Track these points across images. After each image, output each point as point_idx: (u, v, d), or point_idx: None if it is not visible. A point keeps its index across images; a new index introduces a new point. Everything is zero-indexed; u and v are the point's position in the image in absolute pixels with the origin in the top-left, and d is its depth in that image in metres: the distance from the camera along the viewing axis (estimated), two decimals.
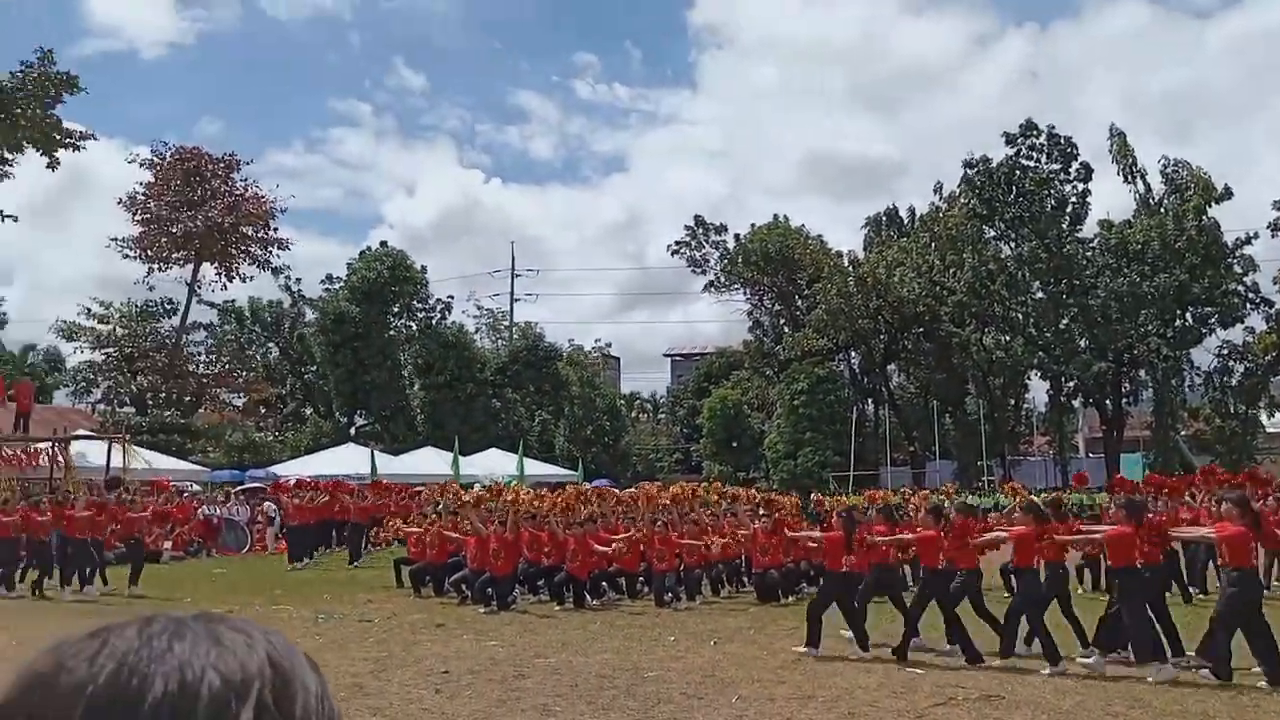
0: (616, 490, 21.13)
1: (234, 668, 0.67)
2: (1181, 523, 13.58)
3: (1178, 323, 38.15)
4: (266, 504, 26.51)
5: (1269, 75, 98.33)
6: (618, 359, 77.13)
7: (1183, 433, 39.98)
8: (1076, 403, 43.35)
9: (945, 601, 10.30)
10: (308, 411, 54.84)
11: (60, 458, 25.29)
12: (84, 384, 52.00)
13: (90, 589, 15.82)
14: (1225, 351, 38.39)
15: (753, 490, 24.48)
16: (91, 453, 27.25)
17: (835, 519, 11.64)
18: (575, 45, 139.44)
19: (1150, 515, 11.01)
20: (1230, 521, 9.43)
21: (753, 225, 49.40)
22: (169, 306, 48.28)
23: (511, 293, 58.57)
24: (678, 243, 50.65)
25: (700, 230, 50.39)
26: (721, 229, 50.30)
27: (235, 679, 0.67)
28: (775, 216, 49.44)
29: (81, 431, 31.49)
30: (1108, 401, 40.37)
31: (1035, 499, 13.14)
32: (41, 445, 26.25)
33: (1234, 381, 38.13)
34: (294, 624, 12.91)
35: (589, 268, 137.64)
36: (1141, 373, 39.04)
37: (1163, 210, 38.41)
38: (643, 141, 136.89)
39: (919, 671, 9.80)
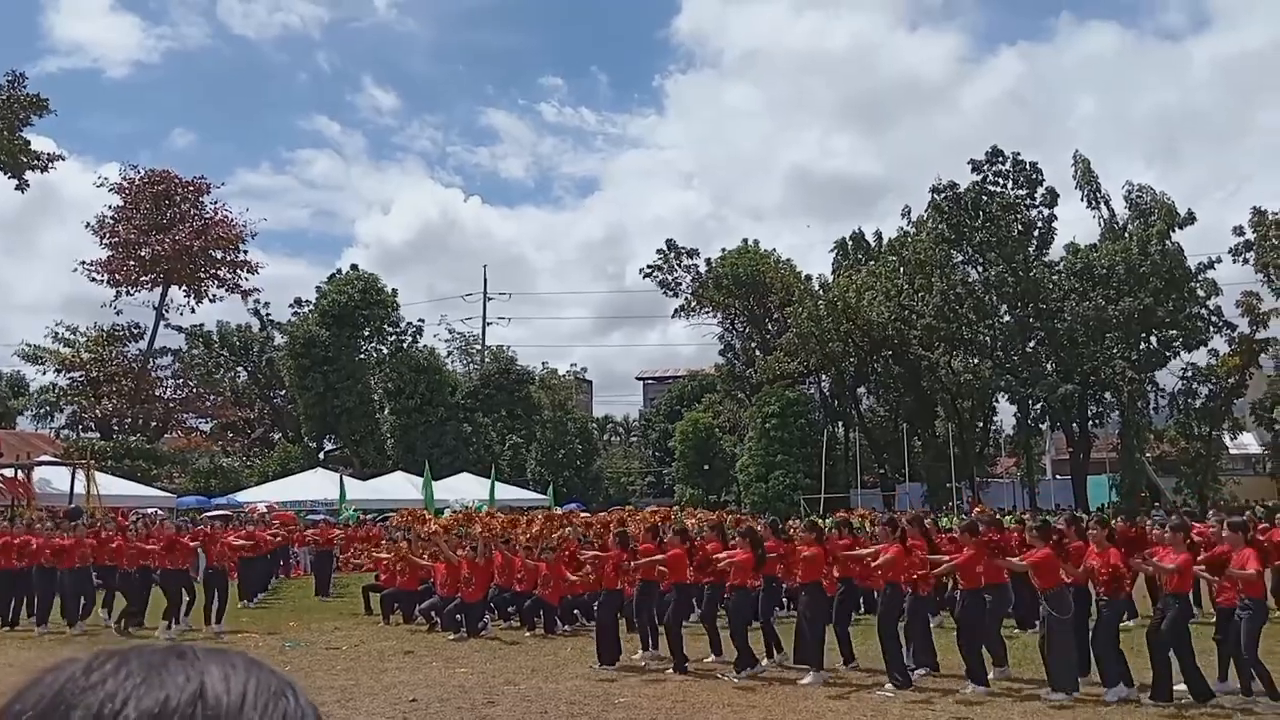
0: (587, 514, 21.07)
1: (155, 701, 0.69)
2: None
3: (1142, 346, 38.65)
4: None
5: (1249, 99, 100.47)
6: (590, 382, 77.10)
7: (1148, 455, 40.41)
8: (1044, 425, 43.70)
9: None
10: (276, 436, 54.33)
11: (22, 485, 24.90)
12: (48, 408, 51.26)
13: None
14: (1189, 374, 38.90)
15: (723, 513, 24.49)
16: (55, 479, 26.87)
17: (911, 529, 10.99)
18: (542, 68, 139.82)
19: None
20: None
21: (723, 250, 49.74)
22: (136, 331, 47.75)
23: (484, 316, 58.46)
24: (650, 266, 50.83)
25: (672, 254, 50.57)
26: (693, 253, 50.53)
27: (152, 712, 0.68)
28: (745, 240, 49.78)
29: (45, 457, 31.04)
30: (1074, 424, 40.76)
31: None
32: (6, 471, 25.84)
33: (1198, 404, 38.64)
34: (258, 652, 12.73)
35: (565, 290, 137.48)
36: (1107, 395, 39.42)
37: (1127, 235, 39.00)
38: (616, 163, 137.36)
39: (889, 695, 9.83)
